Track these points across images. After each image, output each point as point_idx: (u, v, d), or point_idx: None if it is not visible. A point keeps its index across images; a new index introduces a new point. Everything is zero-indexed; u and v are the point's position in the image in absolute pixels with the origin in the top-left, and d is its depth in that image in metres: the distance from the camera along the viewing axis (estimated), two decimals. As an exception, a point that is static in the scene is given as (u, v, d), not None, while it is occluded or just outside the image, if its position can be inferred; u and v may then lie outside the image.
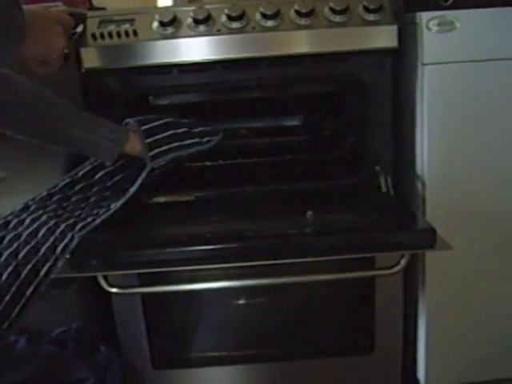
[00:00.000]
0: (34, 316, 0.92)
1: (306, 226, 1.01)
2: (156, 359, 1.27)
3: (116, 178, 1.12)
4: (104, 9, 1.38)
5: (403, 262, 0.98)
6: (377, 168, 1.20)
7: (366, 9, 1.12)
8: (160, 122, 1.09)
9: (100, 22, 1.15)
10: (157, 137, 1.06)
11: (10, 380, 1.13)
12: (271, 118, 1.38)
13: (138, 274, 1.13)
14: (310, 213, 1.03)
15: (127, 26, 1.14)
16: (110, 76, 1.15)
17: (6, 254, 0.92)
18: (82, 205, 1.05)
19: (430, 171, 1.17)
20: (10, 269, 0.89)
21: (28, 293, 0.89)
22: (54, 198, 1.06)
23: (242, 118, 1.38)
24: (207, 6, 1.15)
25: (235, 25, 1.13)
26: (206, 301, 1.38)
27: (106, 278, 1.02)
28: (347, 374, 1.30)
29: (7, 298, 0.88)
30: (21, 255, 0.91)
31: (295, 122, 1.39)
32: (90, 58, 1.13)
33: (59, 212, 1.01)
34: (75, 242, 0.93)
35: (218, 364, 1.31)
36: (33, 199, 1.05)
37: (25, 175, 1.18)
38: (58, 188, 1.09)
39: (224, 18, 1.14)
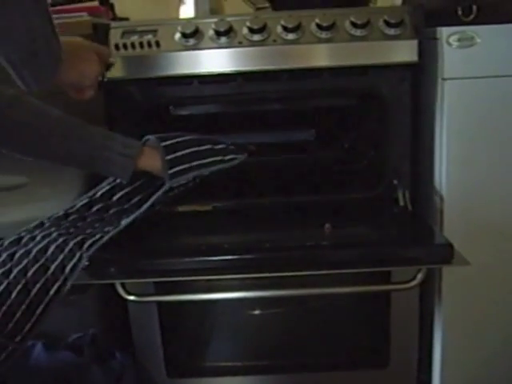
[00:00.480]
0: (50, 321, 0.92)
1: (323, 238, 1.02)
2: (170, 367, 1.28)
3: (134, 200, 1.10)
4: (127, 19, 1.41)
5: (420, 276, 0.98)
6: (395, 182, 1.20)
7: (387, 23, 1.13)
8: (181, 139, 1.06)
9: (123, 33, 1.17)
10: (177, 154, 1.03)
11: (26, 386, 1.14)
12: (290, 130, 1.39)
13: (155, 282, 1.14)
14: (327, 225, 1.03)
15: (150, 36, 1.16)
16: (131, 86, 1.16)
17: (15, 271, 0.92)
18: (96, 224, 1.04)
19: (449, 186, 1.16)
20: (19, 287, 0.90)
21: (38, 311, 0.90)
22: (70, 218, 1.05)
23: (262, 130, 1.39)
24: (229, 19, 1.16)
25: (256, 37, 1.14)
26: (222, 310, 1.39)
27: (123, 285, 1.03)
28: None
29: (18, 315, 0.89)
30: (30, 273, 0.91)
31: (314, 135, 1.39)
32: (113, 68, 1.14)
33: (71, 230, 1.00)
34: (84, 261, 0.92)
35: (231, 374, 1.32)
36: (49, 218, 1.05)
37: (45, 182, 1.20)
38: (75, 208, 1.08)
39: (245, 31, 1.15)
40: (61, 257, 0.92)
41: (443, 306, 1.22)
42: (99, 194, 1.10)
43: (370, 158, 1.29)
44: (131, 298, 1.02)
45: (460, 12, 1.15)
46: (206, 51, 1.15)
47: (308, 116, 1.35)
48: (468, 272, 1.12)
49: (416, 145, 1.22)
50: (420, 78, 1.19)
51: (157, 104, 1.21)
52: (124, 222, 1.00)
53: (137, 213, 1.02)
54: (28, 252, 0.95)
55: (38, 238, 0.97)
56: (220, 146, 1.10)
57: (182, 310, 1.31)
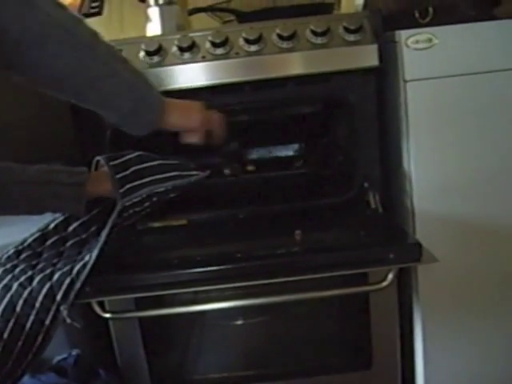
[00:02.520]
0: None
1: (293, 245, 1.03)
2: (156, 382, 1.28)
3: (92, 228, 1.06)
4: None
5: (391, 276, 0.99)
6: (365, 185, 1.21)
7: (347, 29, 1.15)
8: (131, 156, 1.03)
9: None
10: (128, 171, 1.00)
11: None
12: (258, 140, 1.40)
13: (135, 298, 1.15)
14: (297, 232, 1.05)
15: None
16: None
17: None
18: (54, 260, 0.98)
19: (417, 186, 1.18)
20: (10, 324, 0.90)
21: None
22: (22, 256, 1.00)
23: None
24: (191, 34, 1.18)
25: (219, 51, 1.16)
26: (205, 322, 1.39)
27: (100, 303, 1.03)
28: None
29: (16, 351, 0.90)
30: (5, 335, 0.89)
31: (282, 144, 1.41)
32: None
33: (29, 273, 0.95)
34: (63, 313, 0.91)
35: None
36: None
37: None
38: (26, 244, 1.03)
39: (208, 45, 1.17)
40: (34, 311, 0.91)
41: (421, 305, 1.24)
42: (52, 225, 1.05)
43: (339, 163, 1.31)
44: (108, 315, 1.03)
45: (417, 14, 1.18)
46: (170, 67, 1.16)
47: (275, 126, 1.36)
48: (442, 268, 1.15)
49: (384, 147, 1.24)
50: (383, 81, 1.21)
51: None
52: (88, 258, 0.94)
53: (100, 243, 0.95)
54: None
55: None
56: (175, 162, 1.08)
57: (164, 323, 1.32)
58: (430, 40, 1.12)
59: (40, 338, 0.92)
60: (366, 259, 0.97)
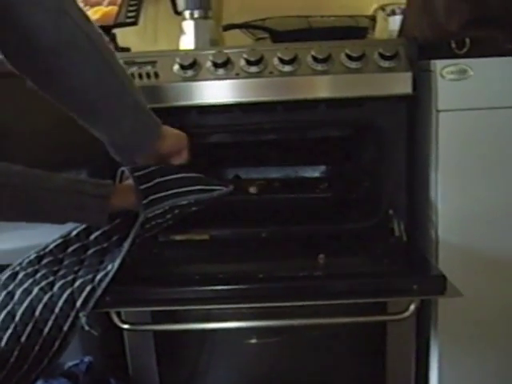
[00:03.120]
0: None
1: (316, 268, 1.02)
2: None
3: (114, 238, 1.04)
4: (128, 49, 1.43)
5: (412, 307, 0.98)
6: (390, 212, 1.20)
7: (382, 56, 1.15)
8: (155, 168, 1.02)
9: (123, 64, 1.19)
10: (152, 182, 0.99)
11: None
12: (286, 162, 1.40)
13: (151, 311, 1.14)
14: (321, 256, 1.04)
15: (149, 67, 1.18)
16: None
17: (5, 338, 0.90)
18: (76, 268, 0.98)
19: (444, 217, 1.17)
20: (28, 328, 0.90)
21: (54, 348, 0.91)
22: (44, 262, 1.00)
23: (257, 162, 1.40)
24: (226, 50, 1.18)
25: (253, 69, 1.16)
26: (219, 339, 1.38)
27: (118, 314, 1.03)
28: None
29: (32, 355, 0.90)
30: (23, 339, 0.89)
31: (309, 165, 1.41)
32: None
33: (51, 278, 0.95)
34: (81, 320, 0.91)
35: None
36: (20, 263, 1.00)
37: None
38: (47, 250, 1.02)
39: (243, 62, 1.17)
40: (53, 317, 0.91)
41: (439, 336, 1.22)
42: (74, 233, 1.04)
43: (366, 188, 1.30)
44: (126, 326, 1.03)
45: (453, 45, 1.17)
46: (203, 82, 1.17)
47: (304, 148, 1.36)
48: (464, 302, 1.13)
49: (412, 175, 1.23)
50: (415, 109, 1.21)
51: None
52: (111, 267, 0.95)
53: (122, 253, 0.96)
54: (12, 315, 0.92)
55: (18, 294, 0.94)
56: (199, 175, 1.07)
57: (179, 338, 1.31)
58: (465, 71, 1.11)
59: (57, 344, 0.92)
60: (389, 288, 0.96)
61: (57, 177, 0.93)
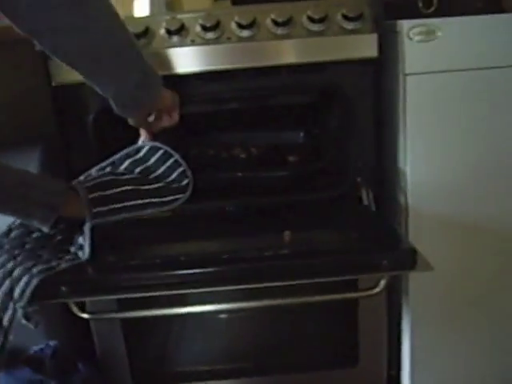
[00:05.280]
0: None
1: (282, 246, 0.98)
2: (137, 376, 1.25)
3: (55, 240, 1.00)
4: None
5: (382, 283, 0.95)
6: (358, 179, 1.16)
7: (346, 17, 1.09)
8: (107, 178, 1.00)
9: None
10: (103, 193, 0.97)
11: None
12: (249, 130, 1.34)
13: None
14: (287, 232, 1.00)
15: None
16: (80, 90, 1.10)
17: None
18: (16, 252, 0.95)
19: (413, 183, 1.13)
20: None
21: None
22: None
23: (219, 130, 1.34)
24: (180, 16, 1.10)
25: (210, 35, 1.10)
26: (190, 316, 1.34)
27: (78, 303, 0.98)
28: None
29: None
30: None
31: (275, 134, 1.34)
32: (60, 73, 1.08)
33: None
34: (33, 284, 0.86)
35: (202, 379, 1.29)
36: None
37: None
38: None
39: (198, 28, 1.10)
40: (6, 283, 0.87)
41: (411, 305, 1.20)
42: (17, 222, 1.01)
43: (332, 156, 1.25)
44: (85, 315, 0.98)
45: (420, 4, 1.11)
46: (157, 51, 1.09)
47: (267, 116, 1.30)
48: (435, 270, 1.12)
49: (380, 142, 1.19)
50: (381, 73, 1.15)
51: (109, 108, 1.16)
52: (55, 263, 0.92)
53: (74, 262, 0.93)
54: None
55: None
56: (155, 185, 1.04)
57: (147, 320, 1.27)
58: (433, 32, 1.06)
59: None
60: (358, 265, 0.92)
61: (9, 175, 0.89)
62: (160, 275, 0.92)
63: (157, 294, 0.92)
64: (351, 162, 1.18)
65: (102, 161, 1.09)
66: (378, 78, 1.15)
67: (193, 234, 1.11)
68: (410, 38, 1.06)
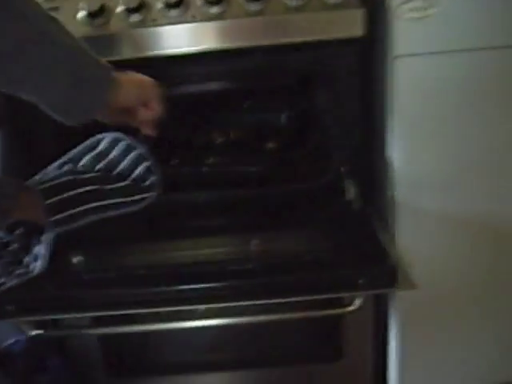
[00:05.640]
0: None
1: (248, 258, 0.89)
2: (110, 367, 1.20)
3: (11, 247, 0.91)
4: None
5: (358, 302, 0.87)
6: (342, 170, 1.06)
7: (327, -11, 0.95)
8: (65, 179, 0.89)
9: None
10: (62, 196, 0.86)
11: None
12: (227, 114, 1.21)
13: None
14: (255, 242, 0.90)
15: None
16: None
17: None
18: None
19: (401, 172, 1.03)
20: None
21: None
22: None
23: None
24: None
25: (173, 13, 0.97)
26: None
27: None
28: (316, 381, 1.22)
29: None
30: None
31: (251, 119, 1.22)
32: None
33: None
34: None
35: (177, 372, 1.24)
36: None
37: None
38: None
39: (160, 5, 0.97)
40: None
41: (398, 304, 1.13)
42: None
43: (315, 143, 1.14)
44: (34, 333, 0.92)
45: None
46: (114, 32, 0.97)
47: (242, 98, 1.17)
48: (422, 263, 1.03)
49: (366, 128, 1.07)
50: (368, 53, 1.03)
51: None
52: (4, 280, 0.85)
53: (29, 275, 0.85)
54: None
55: None
56: (122, 184, 0.93)
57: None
58: (425, 9, 0.92)
59: None
60: (331, 284, 0.84)
61: None
62: (115, 293, 0.85)
63: (111, 313, 0.86)
64: (335, 150, 1.08)
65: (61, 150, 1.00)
66: (366, 60, 1.02)
67: (157, 231, 1.02)
68: (400, 15, 0.93)
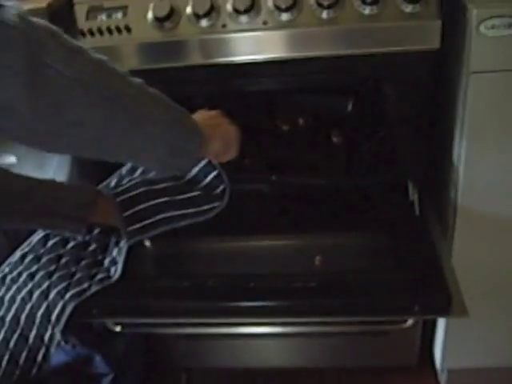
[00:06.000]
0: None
1: (311, 274, 0.94)
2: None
3: (90, 248, 1.00)
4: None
5: (410, 322, 0.92)
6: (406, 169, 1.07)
7: (404, -3, 0.90)
8: (141, 190, 0.94)
9: (88, 12, 0.99)
10: (138, 208, 0.92)
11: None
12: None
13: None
14: (318, 258, 0.95)
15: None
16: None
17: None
18: (51, 268, 0.97)
19: (466, 181, 1.02)
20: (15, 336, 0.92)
21: (39, 357, 0.92)
22: (26, 260, 0.99)
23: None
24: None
25: (243, 19, 0.95)
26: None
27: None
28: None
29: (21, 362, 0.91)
30: (11, 345, 0.90)
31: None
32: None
33: (29, 286, 0.95)
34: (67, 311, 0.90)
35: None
36: (9, 264, 1.00)
37: (34, 163, 1.13)
38: (31, 246, 1.01)
39: (230, 9, 0.95)
40: (34, 328, 0.91)
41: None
42: (50, 243, 1.01)
43: (380, 138, 1.13)
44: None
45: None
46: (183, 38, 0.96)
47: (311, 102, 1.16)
48: (479, 269, 1.06)
49: (432, 134, 1.06)
50: (443, 65, 0.99)
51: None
52: (87, 285, 0.93)
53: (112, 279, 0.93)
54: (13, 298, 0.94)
55: (6, 299, 0.95)
56: (192, 194, 0.97)
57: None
58: (509, 25, 0.87)
59: (41, 353, 0.93)
60: (389, 307, 0.89)
61: (35, 187, 0.89)
62: (186, 304, 0.92)
63: (178, 321, 0.94)
64: (401, 149, 1.07)
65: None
66: (438, 72, 0.99)
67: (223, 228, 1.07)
68: (480, 32, 0.88)
